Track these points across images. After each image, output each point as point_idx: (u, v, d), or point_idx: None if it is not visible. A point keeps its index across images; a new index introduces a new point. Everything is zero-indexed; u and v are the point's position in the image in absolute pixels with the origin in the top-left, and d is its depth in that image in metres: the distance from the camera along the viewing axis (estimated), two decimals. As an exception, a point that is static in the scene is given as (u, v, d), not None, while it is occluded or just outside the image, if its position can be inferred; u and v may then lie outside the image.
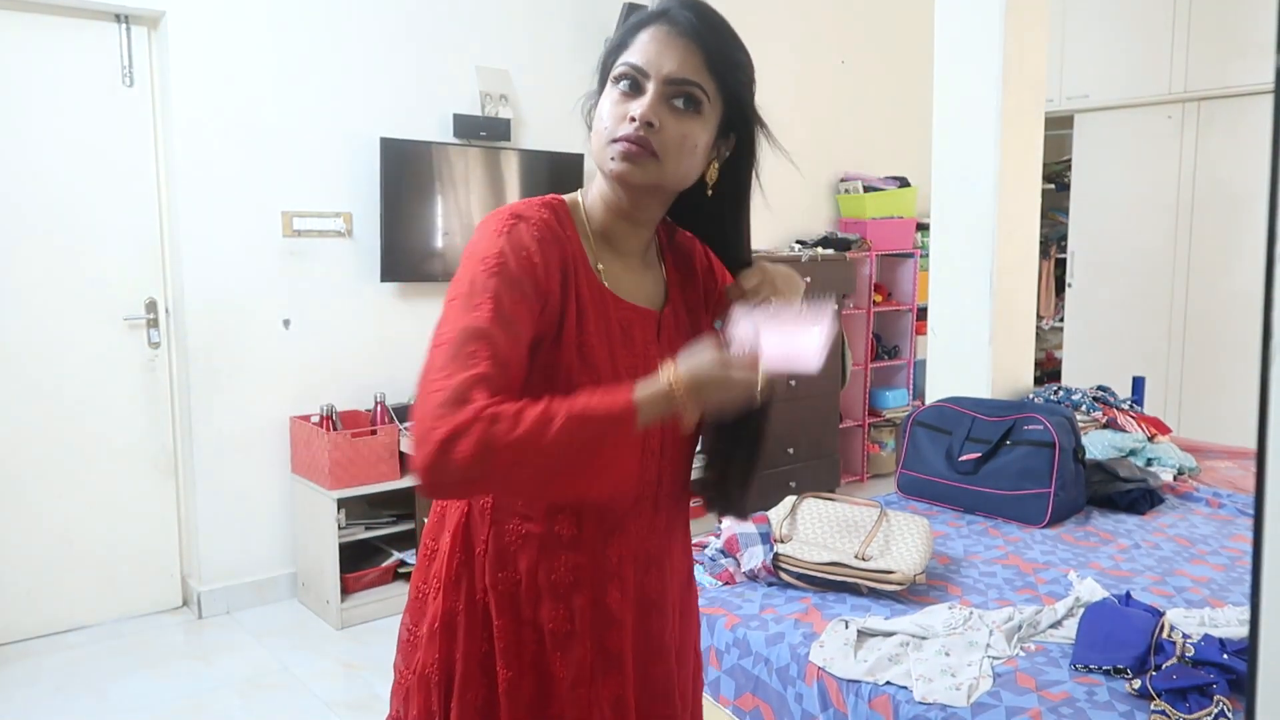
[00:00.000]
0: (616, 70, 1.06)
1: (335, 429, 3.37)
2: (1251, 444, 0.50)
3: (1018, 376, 3.20)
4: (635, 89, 1.05)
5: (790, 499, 2.31)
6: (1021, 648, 1.78)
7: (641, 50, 1.05)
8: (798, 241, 4.91)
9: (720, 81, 1.06)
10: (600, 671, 1.10)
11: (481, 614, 1.09)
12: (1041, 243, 4.07)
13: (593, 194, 1.13)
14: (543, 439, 0.88)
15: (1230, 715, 1.50)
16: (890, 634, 1.81)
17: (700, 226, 1.21)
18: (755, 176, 1.16)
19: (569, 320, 1.04)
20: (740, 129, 1.11)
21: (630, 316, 1.12)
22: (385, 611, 3.40)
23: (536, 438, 0.88)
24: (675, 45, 1.04)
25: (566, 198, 1.13)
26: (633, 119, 1.03)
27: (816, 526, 2.20)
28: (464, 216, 3.83)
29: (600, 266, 1.10)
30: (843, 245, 4.88)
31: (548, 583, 1.08)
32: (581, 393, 0.94)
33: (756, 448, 1.18)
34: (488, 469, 0.88)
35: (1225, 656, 1.62)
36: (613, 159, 1.05)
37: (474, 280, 0.98)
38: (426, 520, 1.20)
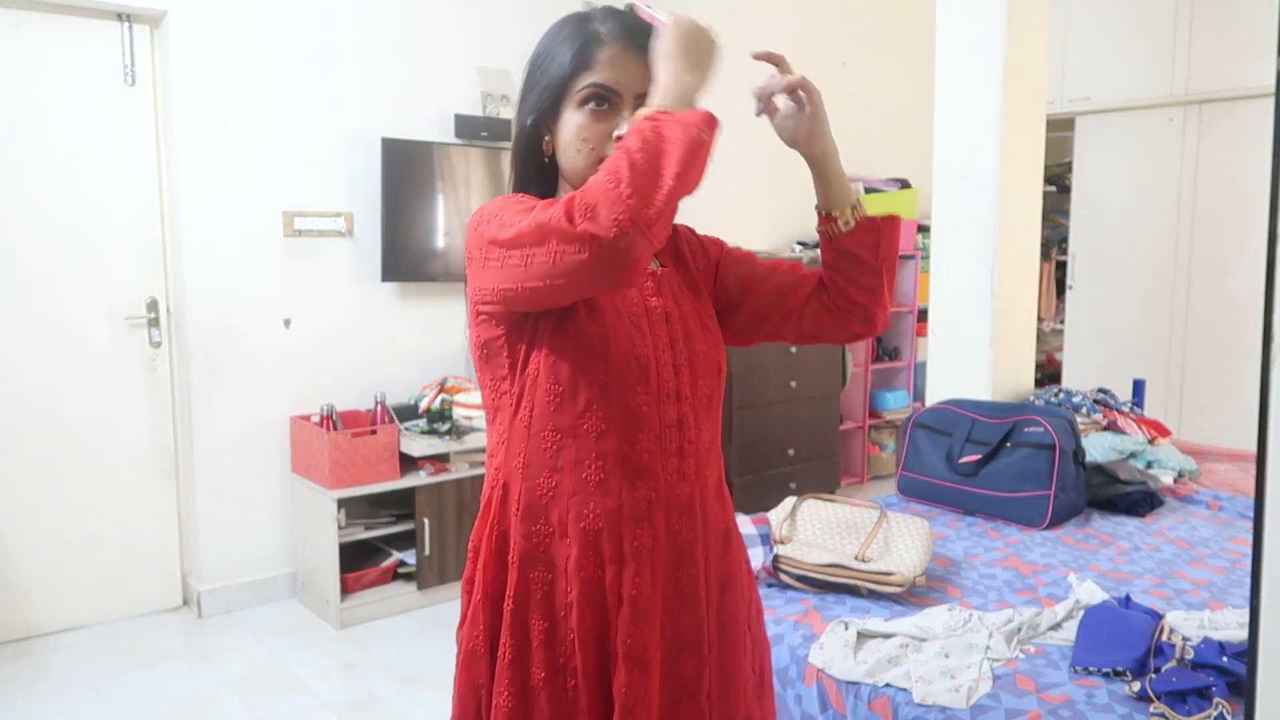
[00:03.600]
0: (584, 90, 1.14)
1: (335, 429, 3.37)
2: (1252, 447, 0.50)
3: (1018, 378, 3.20)
4: (607, 106, 1.14)
5: (790, 500, 2.31)
6: (1021, 650, 1.78)
7: (608, 70, 1.13)
8: (799, 243, 4.91)
9: None
10: (628, 619, 1.11)
11: (518, 573, 1.13)
12: (1042, 245, 4.07)
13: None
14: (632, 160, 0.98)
15: (1229, 718, 1.50)
16: (890, 636, 1.81)
17: None
18: None
19: None
20: None
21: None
22: (385, 611, 3.40)
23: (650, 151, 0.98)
24: (635, 63, 1.14)
25: None
26: (619, 139, 1.10)
27: (816, 528, 2.20)
28: (465, 217, 3.83)
29: None
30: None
31: (577, 530, 1.12)
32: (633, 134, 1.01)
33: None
34: (630, 186, 0.96)
35: (1225, 659, 1.62)
36: None
37: (504, 211, 1.08)
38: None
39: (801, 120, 1.21)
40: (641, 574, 1.12)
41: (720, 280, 1.32)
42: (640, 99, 1.13)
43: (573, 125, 1.14)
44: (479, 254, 1.10)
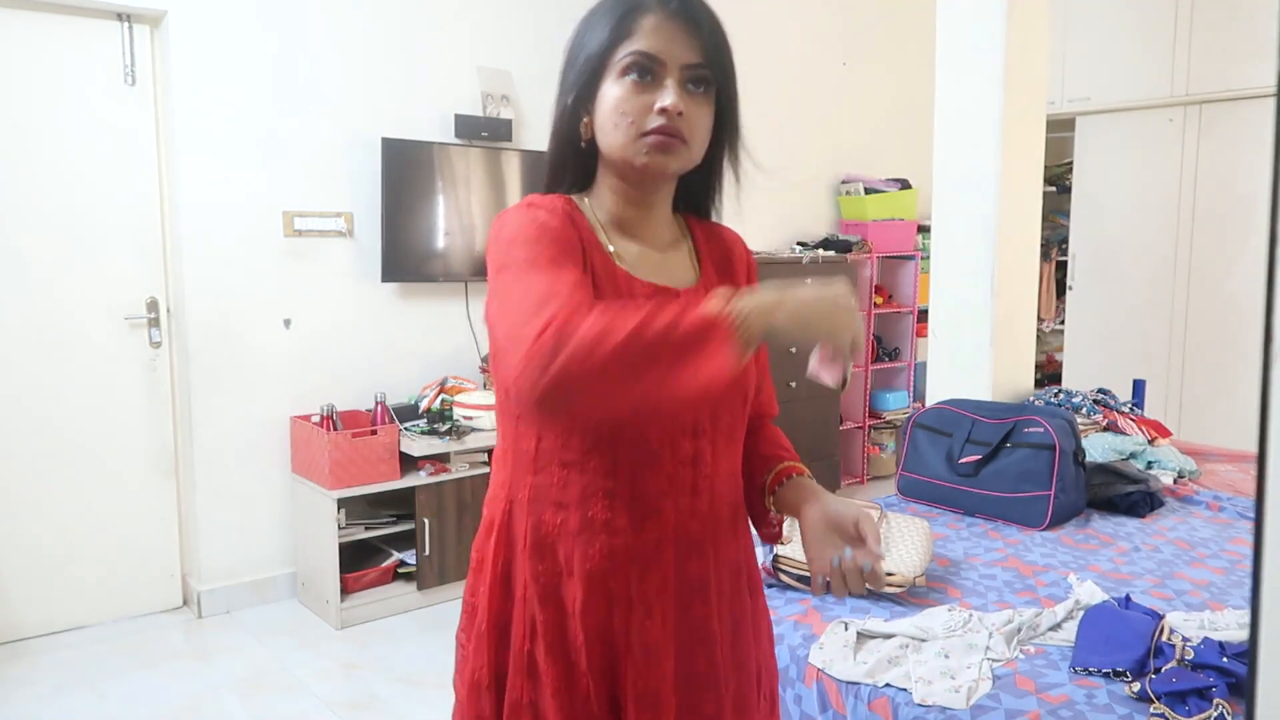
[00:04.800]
0: (624, 60, 1.05)
1: (335, 429, 3.37)
2: (1252, 447, 0.49)
3: (1018, 379, 3.20)
4: (649, 78, 1.05)
5: (790, 501, 2.31)
6: (1021, 650, 1.78)
7: (650, 38, 1.04)
8: (799, 243, 4.91)
9: (715, 59, 1.08)
10: (638, 663, 1.07)
11: (525, 611, 1.08)
12: (1042, 245, 4.07)
13: (600, 189, 1.14)
14: (636, 333, 0.86)
15: (1230, 718, 1.50)
16: (890, 636, 1.81)
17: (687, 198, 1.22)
18: (740, 144, 1.17)
19: None
20: (723, 101, 1.11)
21: (648, 291, 1.10)
22: (385, 611, 3.40)
23: (624, 327, 0.86)
24: (680, 30, 1.05)
25: (577, 198, 1.14)
26: (662, 110, 1.03)
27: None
28: (465, 217, 3.83)
29: (612, 249, 1.11)
30: (844, 247, 4.88)
31: (583, 571, 1.06)
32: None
33: None
34: (577, 361, 0.85)
35: (1225, 660, 1.62)
36: (645, 152, 1.05)
37: (518, 244, 1.00)
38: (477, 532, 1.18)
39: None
40: (651, 616, 1.07)
41: None
42: (687, 70, 1.05)
43: (611, 98, 1.06)
44: (491, 276, 1.02)
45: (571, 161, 1.14)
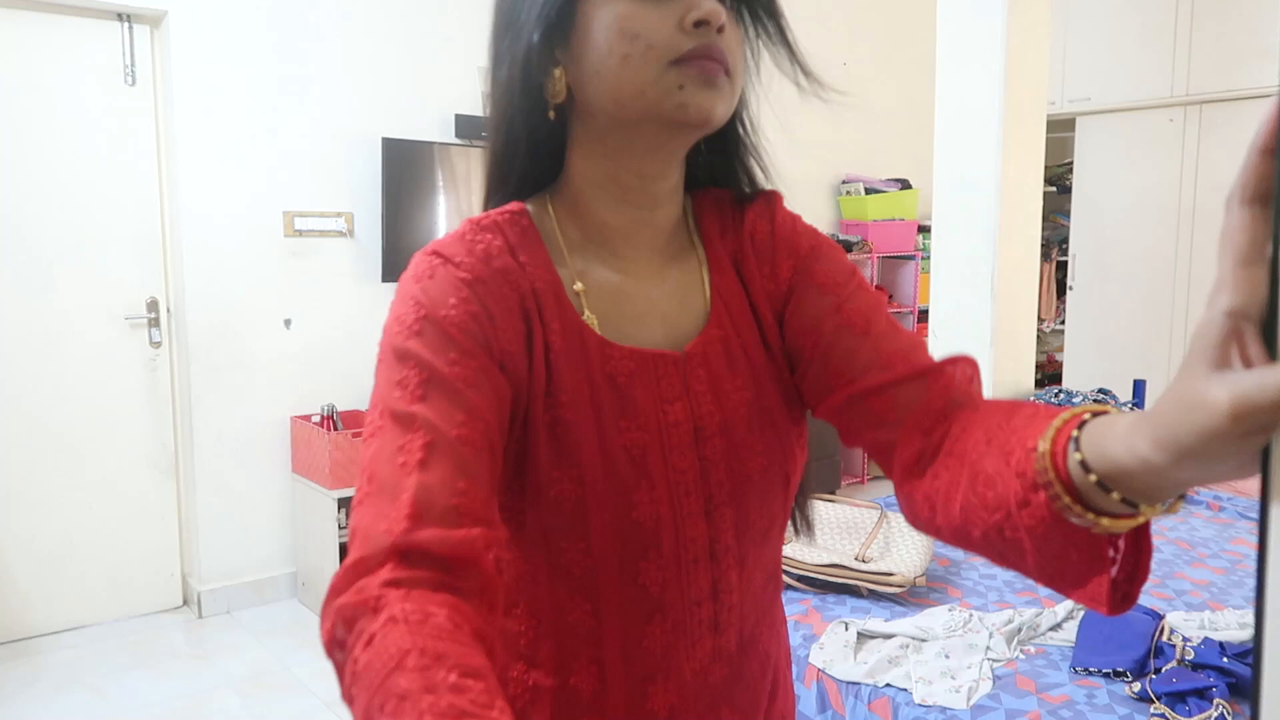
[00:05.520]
0: None
1: (336, 429, 3.37)
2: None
3: (1018, 379, 3.20)
4: None
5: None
6: (1021, 650, 1.78)
7: None
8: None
9: None
10: None
11: None
12: (1042, 245, 4.07)
13: (574, 184, 0.77)
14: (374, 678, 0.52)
15: (1230, 718, 1.50)
16: (890, 636, 1.81)
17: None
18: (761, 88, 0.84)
19: (536, 388, 0.70)
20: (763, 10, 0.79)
21: (629, 366, 0.73)
22: (385, 612, 3.40)
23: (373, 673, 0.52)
24: None
25: (530, 204, 0.78)
26: (699, 22, 0.67)
27: (817, 528, 2.20)
28: (465, 217, 3.83)
29: (579, 288, 0.74)
30: (844, 247, 4.87)
31: None
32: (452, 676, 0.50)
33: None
34: (340, 670, 0.55)
35: (1225, 660, 1.62)
36: (683, 87, 0.68)
37: (392, 350, 0.66)
38: None
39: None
40: None
41: (786, 323, 0.79)
42: None
43: (609, 20, 0.68)
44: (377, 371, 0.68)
45: (524, 148, 0.77)
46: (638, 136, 0.71)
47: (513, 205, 0.77)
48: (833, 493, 3.59)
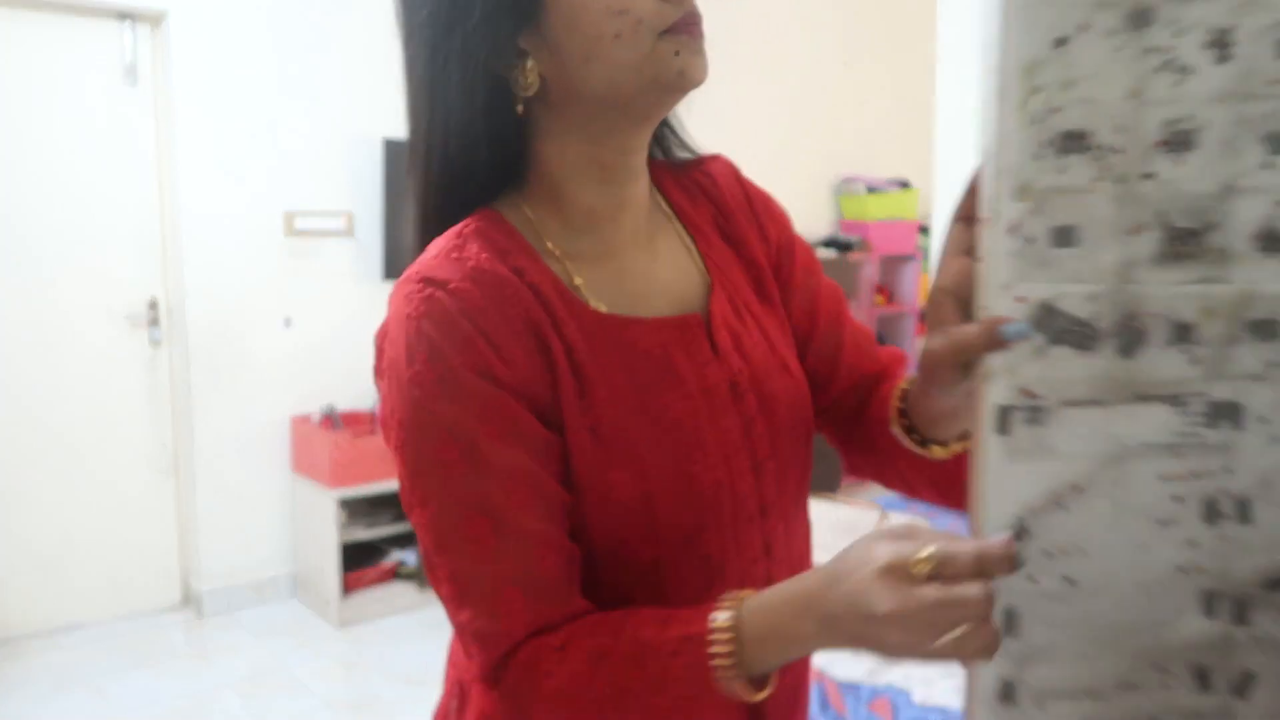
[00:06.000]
0: None
1: (336, 428, 3.37)
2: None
3: (1019, 379, 3.20)
4: None
5: (791, 500, 2.32)
6: (1022, 650, 1.78)
7: None
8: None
9: None
10: None
11: None
12: (1043, 245, 4.06)
13: (546, 180, 0.73)
14: (591, 687, 0.64)
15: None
16: (890, 636, 1.81)
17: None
18: None
19: (566, 397, 0.68)
20: None
21: (660, 337, 0.72)
22: (385, 611, 3.40)
23: (584, 685, 0.64)
24: None
25: (500, 208, 0.73)
26: None
27: (817, 528, 2.20)
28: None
29: (578, 282, 0.72)
30: (844, 247, 4.87)
31: None
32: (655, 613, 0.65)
33: None
34: (550, 711, 0.65)
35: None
36: (678, 54, 0.67)
37: (414, 443, 0.66)
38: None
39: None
40: None
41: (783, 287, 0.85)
42: None
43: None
44: (398, 462, 0.68)
45: (485, 152, 0.70)
46: (630, 111, 0.69)
47: (483, 213, 0.72)
48: (833, 492, 3.59)
